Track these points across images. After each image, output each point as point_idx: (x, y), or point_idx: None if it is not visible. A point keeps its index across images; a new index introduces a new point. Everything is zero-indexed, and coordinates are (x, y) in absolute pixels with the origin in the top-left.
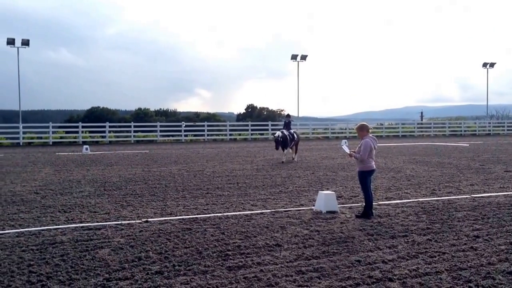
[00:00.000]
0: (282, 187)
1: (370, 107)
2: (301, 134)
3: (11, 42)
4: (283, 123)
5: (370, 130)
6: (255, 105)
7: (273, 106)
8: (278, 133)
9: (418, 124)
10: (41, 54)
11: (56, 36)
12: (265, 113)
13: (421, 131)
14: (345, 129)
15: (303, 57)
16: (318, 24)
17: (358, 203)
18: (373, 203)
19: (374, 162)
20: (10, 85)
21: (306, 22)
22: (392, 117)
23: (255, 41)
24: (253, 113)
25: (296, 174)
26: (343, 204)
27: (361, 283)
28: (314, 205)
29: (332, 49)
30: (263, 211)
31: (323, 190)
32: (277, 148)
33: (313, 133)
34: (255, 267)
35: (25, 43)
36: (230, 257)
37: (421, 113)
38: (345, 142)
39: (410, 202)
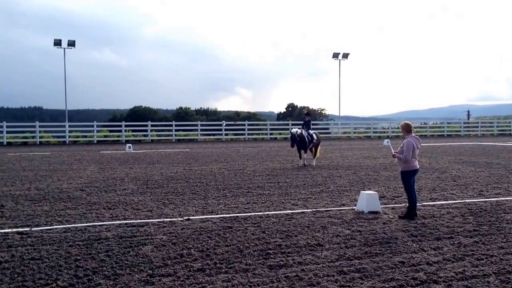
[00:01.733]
0: (323, 187)
1: (414, 106)
2: (343, 133)
3: (58, 43)
4: (304, 122)
5: (413, 130)
6: (295, 104)
7: (313, 105)
8: (295, 129)
9: (464, 123)
10: (86, 55)
11: (100, 36)
12: (305, 112)
13: (468, 131)
14: (388, 128)
15: (345, 55)
16: (360, 22)
17: (401, 203)
18: (417, 204)
19: (417, 162)
20: (56, 85)
21: (348, 20)
22: (436, 116)
23: (296, 39)
24: (293, 112)
25: (337, 174)
26: (385, 204)
27: (404, 284)
28: (355, 205)
29: (375, 47)
30: (304, 210)
31: (365, 190)
32: (292, 146)
33: (354, 132)
34: (296, 267)
35: (71, 44)
36: (271, 256)
37: (468, 112)
38: (388, 142)
39: (456, 203)
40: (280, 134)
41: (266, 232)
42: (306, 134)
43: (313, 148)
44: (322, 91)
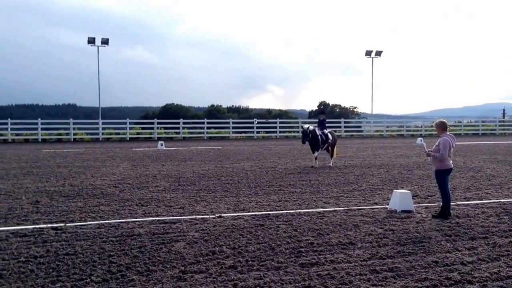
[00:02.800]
0: (355, 185)
1: (448, 104)
2: (375, 132)
3: (91, 41)
4: (319, 120)
5: (448, 128)
6: (327, 102)
7: (345, 103)
8: (310, 126)
9: (500, 121)
10: (119, 52)
11: (133, 34)
12: (337, 110)
13: (503, 129)
14: (421, 126)
15: (378, 53)
16: (393, 19)
17: (434, 203)
18: (451, 203)
19: (452, 161)
20: (90, 82)
21: (381, 17)
22: (471, 114)
23: (327, 37)
24: (325, 110)
25: (369, 172)
26: (418, 203)
27: (438, 284)
28: (388, 204)
29: (408, 45)
30: (336, 208)
31: (398, 189)
32: (303, 142)
33: (387, 130)
34: (328, 265)
35: (105, 41)
36: (303, 254)
37: (503, 110)
38: (421, 140)
39: (490, 202)
40: None
41: (298, 230)
42: (320, 133)
43: (329, 148)
44: (354, 89)
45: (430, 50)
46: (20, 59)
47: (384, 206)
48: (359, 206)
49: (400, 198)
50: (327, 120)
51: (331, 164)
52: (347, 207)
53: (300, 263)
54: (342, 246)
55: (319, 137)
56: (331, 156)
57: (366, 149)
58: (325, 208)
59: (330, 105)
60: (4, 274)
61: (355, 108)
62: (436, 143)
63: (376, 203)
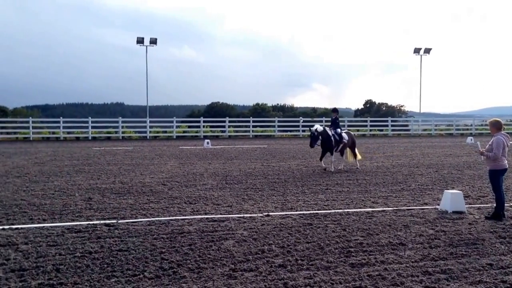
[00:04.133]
0: (404, 185)
1: (499, 102)
2: (423, 130)
3: (140, 41)
4: (331, 120)
5: (503, 128)
6: (373, 101)
7: (392, 102)
8: (317, 126)
9: None
10: (166, 51)
11: (180, 33)
12: (384, 108)
13: None
14: (471, 125)
15: (427, 51)
16: (442, 15)
17: (487, 203)
18: (505, 204)
19: (506, 161)
20: (137, 81)
21: (430, 13)
22: None
23: (374, 34)
24: (371, 109)
25: (418, 172)
26: (470, 204)
27: (493, 287)
28: (438, 205)
29: (457, 41)
30: (384, 208)
31: (448, 189)
32: (311, 145)
33: (435, 129)
34: (379, 265)
35: (153, 41)
36: (353, 254)
37: None
38: (471, 140)
39: None
40: (358, 130)
41: (347, 229)
42: (333, 133)
43: (347, 150)
44: (401, 87)
45: (480, 46)
46: (70, 59)
47: (434, 207)
48: (409, 206)
49: (451, 198)
50: (339, 119)
51: (358, 167)
52: (396, 207)
53: (350, 263)
54: (392, 247)
55: (332, 137)
56: (354, 157)
57: (414, 148)
58: (374, 208)
59: (376, 103)
60: (61, 269)
61: (402, 106)
62: (490, 143)
63: (426, 204)
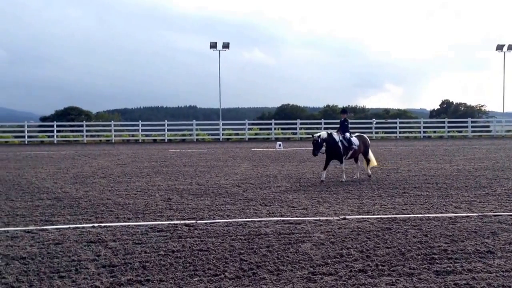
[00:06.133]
0: (489, 189)
1: None
2: (506, 132)
3: (213, 45)
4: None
5: None
6: (450, 101)
7: (471, 102)
8: (323, 133)
9: None
10: (238, 55)
11: (250, 36)
12: (462, 109)
13: None
14: None
15: (511, 47)
16: None
17: None
18: None
19: None
20: (210, 85)
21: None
22: None
23: (450, 31)
24: (448, 109)
25: (503, 176)
26: None
27: None
28: None
29: None
30: (468, 214)
31: None
32: (314, 154)
33: None
34: (466, 274)
35: (226, 45)
36: (437, 261)
37: None
38: None
39: None
40: (434, 132)
41: (429, 235)
42: (340, 138)
43: (357, 157)
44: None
45: None
46: (146, 65)
47: None
48: (495, 212)
49: None
50: (349, 121)
51: (370, 174)
52: (482, 212)
53: (434, 270)
54: (479, 255)
55: (340, 143)
56: (367, 164)
57: (497, 150)
58: (457, 213)
59: (454, 103)
60: (147, 266)
61: (482, 106)
62: None
63: None
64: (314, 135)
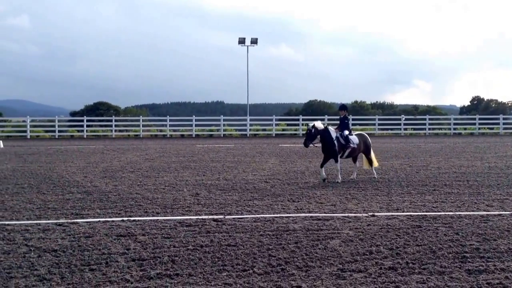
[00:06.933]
0: None
1: None
2: None
3: (242, 41)
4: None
5: None
6: (481, 97)
7: (503, 98)
8: (318, 123)
9: None
10: (265, 51)
11: (277, 32)
12: (493, 105)
13: None
14: None
15: None
16: None
17: None
18: None
19: None
20: (236, 81)
21: None
22: None
23: (480, 26)
24: (478, 106)
25: None
26: None
27: None
28: None
29: None
30: (501, 212)
31: None
32: (305, 144)
33: None
34: (499, 273)
35: (254, 41)
36: (469, 259)
37: None
38: None
39: None
40: (465, 129)
41: (460, 233)
42: (337, 135)
43: (361, 156)
44: None
45: None
46: (173, 61)
47: None
48: None
49: None
50: (350, 118)
51: (375, 176)
52: None
53: (466, 269)
54: None
55: (335, 140)
56: (370, 164)
57: None
58: (489, 211)
59: (485, 100)
60: (176, 260)
61: None
62: None
63: None
64: (309, 124)
